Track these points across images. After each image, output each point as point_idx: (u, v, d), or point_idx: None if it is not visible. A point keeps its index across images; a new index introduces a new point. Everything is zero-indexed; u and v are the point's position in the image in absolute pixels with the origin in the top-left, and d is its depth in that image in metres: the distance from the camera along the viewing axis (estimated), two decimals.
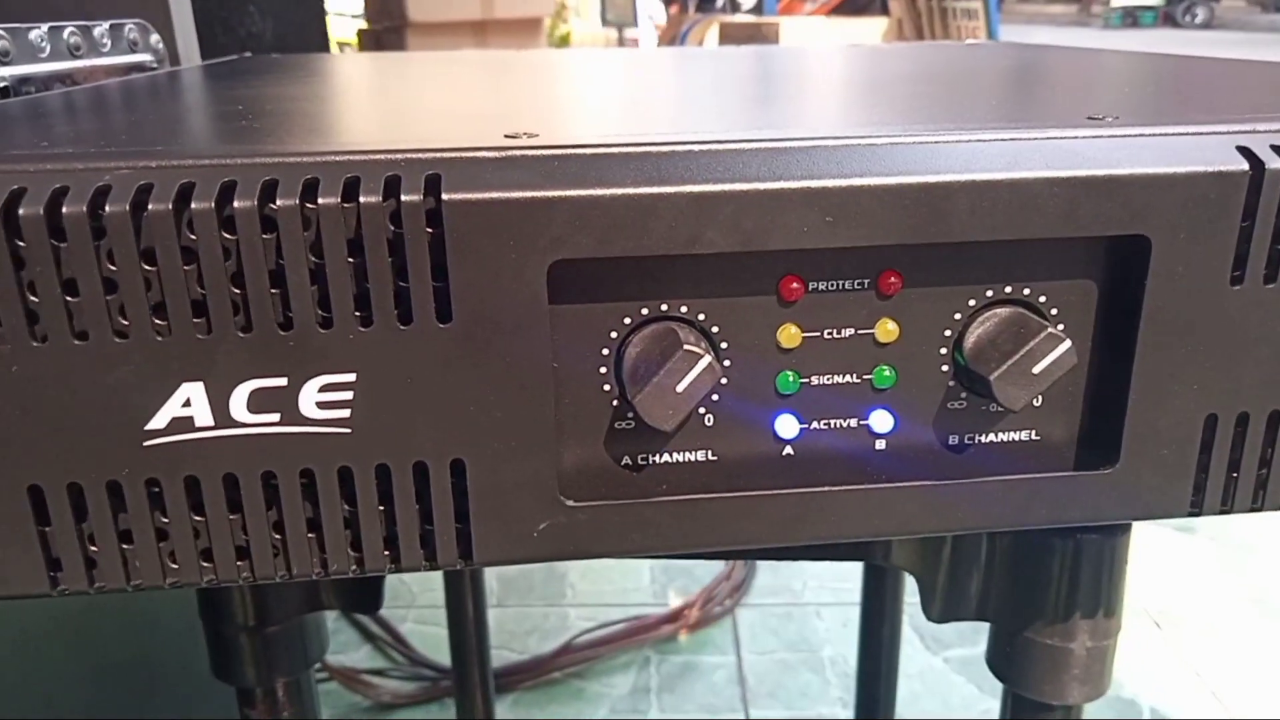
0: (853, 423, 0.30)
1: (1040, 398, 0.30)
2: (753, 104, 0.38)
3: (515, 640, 1.36)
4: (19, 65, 0.60)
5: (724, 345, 0.29)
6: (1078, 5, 16.97)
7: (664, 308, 0.29)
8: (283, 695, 0.46)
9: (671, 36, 4.78)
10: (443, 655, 1.27)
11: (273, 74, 0.59)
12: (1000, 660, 0.44)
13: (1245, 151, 0.28)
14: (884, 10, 3.83)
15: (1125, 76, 0.47)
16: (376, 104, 0.41)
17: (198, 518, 0.28)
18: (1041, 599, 0.42)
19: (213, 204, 0.25)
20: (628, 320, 0.29)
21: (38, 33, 0.62)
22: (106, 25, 0.70)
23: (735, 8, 5.32)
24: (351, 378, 0.27)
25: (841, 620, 1.41)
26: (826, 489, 0.30)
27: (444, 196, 0.26)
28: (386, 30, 3.37)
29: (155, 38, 0.76)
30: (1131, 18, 14.25)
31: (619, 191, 0.26)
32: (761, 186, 0.27)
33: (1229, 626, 1.39)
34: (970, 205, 0.27)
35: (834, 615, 1.42)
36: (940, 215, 0.27)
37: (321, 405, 0.27)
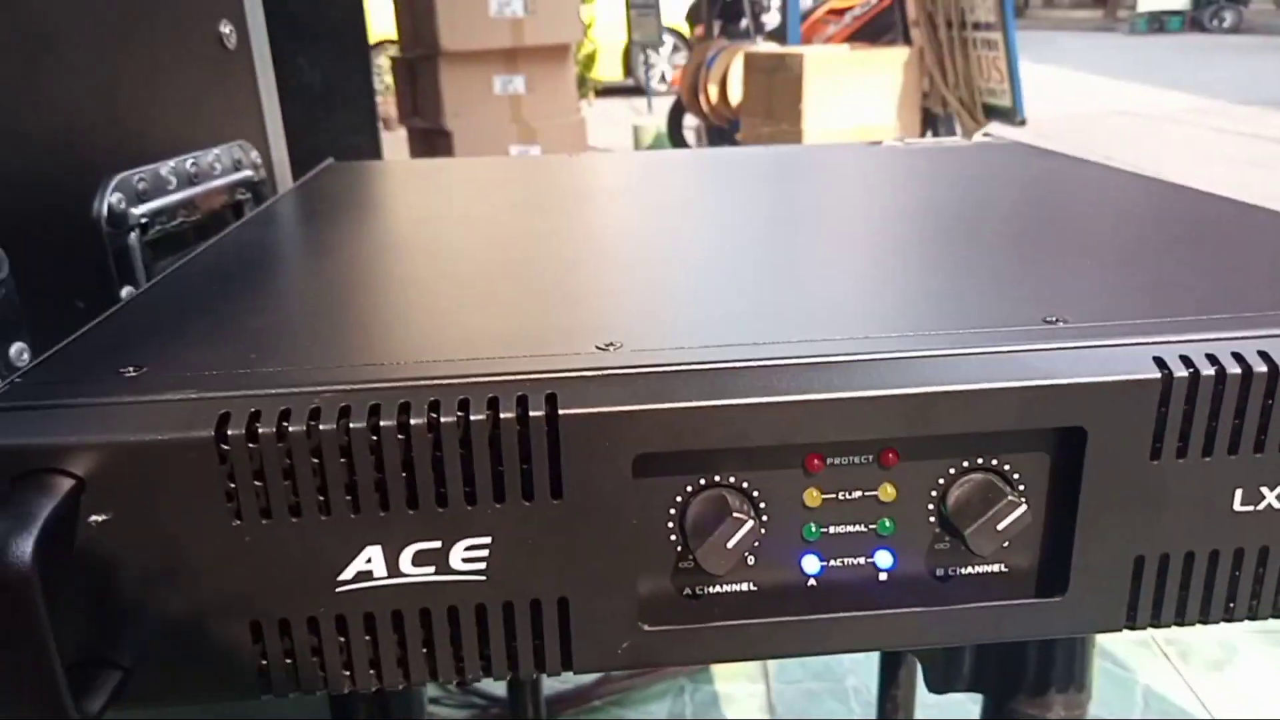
0: (862, 560, 0.40)
1: (1007, 542, 0.39)
2: (782, 293, 0.48)
3: None
4: (154, 200, 0.70)
5: (762, 505, 0.39)
6: (1103, 10, 16.91)
7: (717, 479, 0.38)
8: None
9: (697, 64, 4.88)
10: (491, 684, 1.37)
11: (365, 211, 0.69)
12: None
13: (1159, 361, 0.37)
14: (905, 38, 3.90)
15: (1097, 239, 0.56)
16: (483, 288, 0.51)
17: (372, 642, 0.37)
18: (1022, 677, 0.51)
19: (395, 422, 0.35)
20: (689, 489, 0.38)
21: (168, 169, 0.73)
22: (218, 151, 0.81)
23: (759, 28, 5.39)
24: (488, 540, 0.36)
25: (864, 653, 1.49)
26: (842, 614, 0.39)
27: (560, 412, 0.35)
28: (420, 59, 3.50)
29: (255, 154, 0.86)
30: (1158, 23, 14.17)
31: (688, 405, 0.36)
32: (794, 397, 0.36)
33: (1237, 655, 1.46)
34: (949, 409, 0.37)
35: None
36: (925, 417, 0.36)
37: (465, 560, 0.37)
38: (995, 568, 0.40)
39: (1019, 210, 0.66)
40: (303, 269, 0.54)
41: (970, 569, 0.40)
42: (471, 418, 0.35)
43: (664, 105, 6.18)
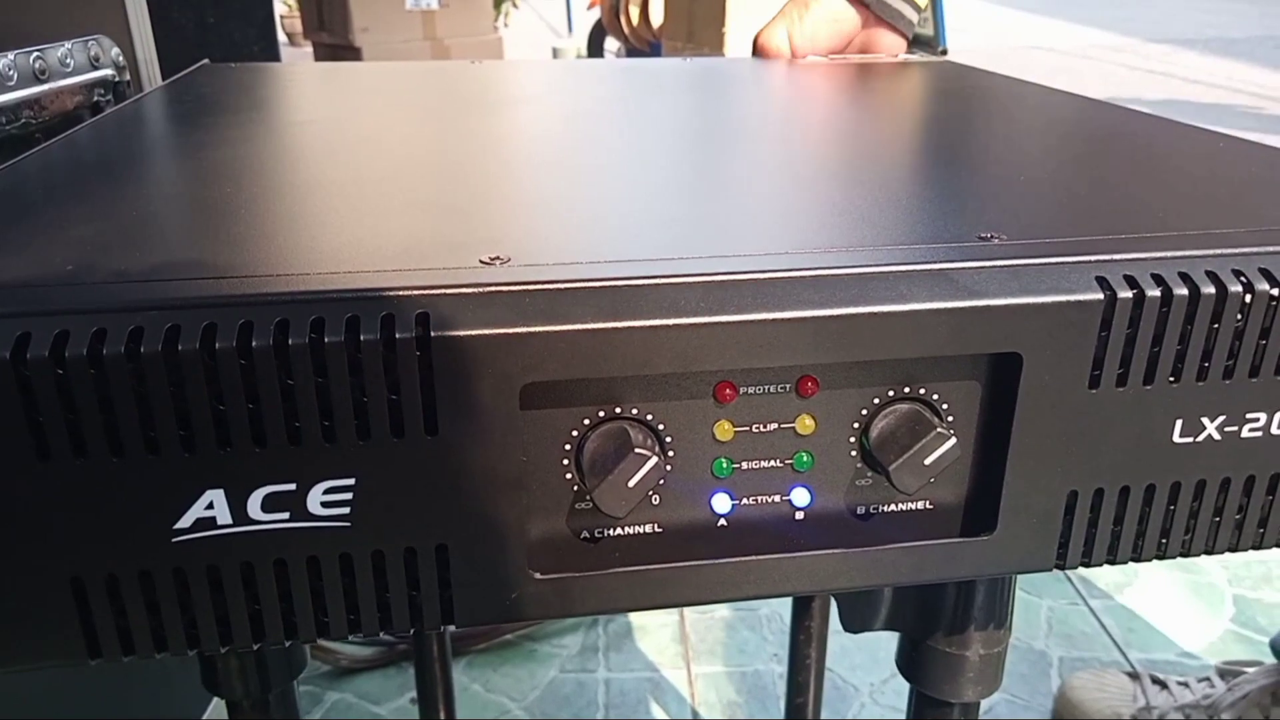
0: (777, 498, 0.36)
1: (934, 477, 0.36)
2: (692, 207, 0.43)
3: None
4: None
5: (669, 439, 0.35)
6: None
7: (618, 410, 0.34)
8: (270, 706, 0.51)
9: None
10: None
11: (237, 114, 0.62)
12: (907, 664, 0.51)
13: (1101, 281, 0.34)
14: None
15: (1030, 157, 0.52)
16: (353, 192, 0.45)
17: (218, 597, 0.32)
18: (940, 615, 0.49)
19: (234, 344, 0.29)
20: (587, 421, 0.34)
21: (5, 61, 0.64)
22: (69, 45, 0.72)
23: None
24: (351, 481, 0.32)
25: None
26: (755, 556, 0.35)
27: (432, 334, 0.30)
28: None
29: (116, 51, 0.77)
30: None
31: (580, 327, 0.31)
32: (700, 320, 0.32)
33: (1137, 578, 1.50)
34: (873, 331, 0.33)
35: None
36: (848, 340, 0.33)
37: (325, 504, 0.32)
38: (920, 505, 0.37)
39: (950, 126, 0.62)
40: (149, 173, 0.47)
41: (893, 507, 0.37)
42: (327, 340, 0.30)
43: (585, 25, 6.01)
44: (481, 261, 0.33)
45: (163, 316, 0.30)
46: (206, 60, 0.85)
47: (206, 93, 0.70)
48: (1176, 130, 0.57)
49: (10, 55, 0.65)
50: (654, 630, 1.40)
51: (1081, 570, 1.51)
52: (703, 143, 0.56)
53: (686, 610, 1.44)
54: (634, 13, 4.79)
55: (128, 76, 0.81)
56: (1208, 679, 1.21)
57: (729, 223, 0.40)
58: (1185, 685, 1.21)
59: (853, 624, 0.50)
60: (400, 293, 0.31)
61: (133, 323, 0.30)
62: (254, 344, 0.30)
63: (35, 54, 0.68)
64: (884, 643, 1.36)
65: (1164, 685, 1.21)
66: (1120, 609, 1.44)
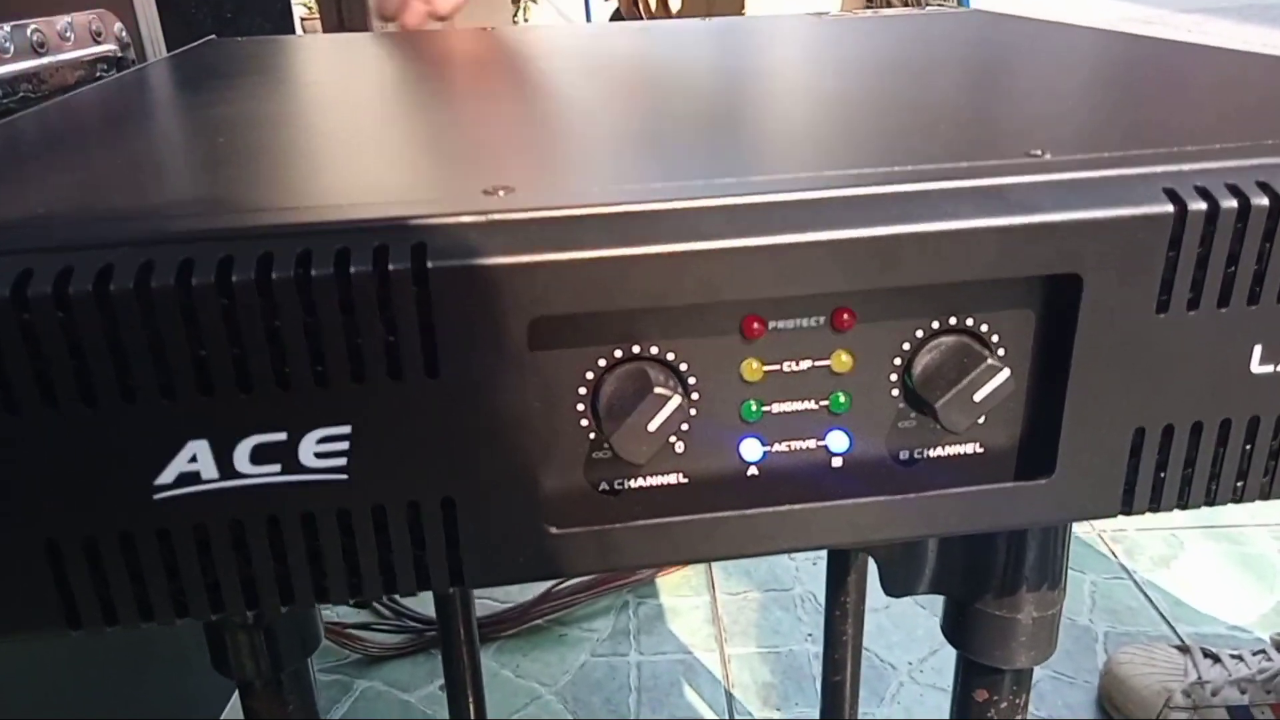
0: (812, 444, 0.33)
1: (984, 416, 0.33)
2: (714, 135, 0.40)
3: (497, 589, 1.40)
4: None
5: (692, 380, 0.32)
6: None
7: (636, 349, 0.31)
8: (283, 686, 0.49)
9: None
10: (428, 607, 1.31)
11: (240, 77, 0.60)
12: (954, 629, 0.48)
13: (1170, 193, 0.30)
14: None
15: (1074, 85, 0.49)
16: (349, 137, 0.43)
17: (206, 559, 0.30)
18: (990, 575, 0.46)
19: (213, 279, 0.27)
20: (603, 362, 0.31)
21: (1, 33, 0.62)
22: (69, 19, 0.70)
23: None
24: (347, 429, 0.29)
25: (811, 559, 1.46)
26: (788, 506, 0.32)
27: (430, 265, 0.27)
28: None
29: (119, 26, 0.75)
30: None
31: (594, 254, 0.28)
32: (723, 245, 0.29)
33: (1183, 551, 1.46)
34: (915, 253, 0.29)
35: (803, 554, 1.47)
36: (888, 263, 0.29)
37: (319, 455, 0.29)
38: (969, 448, 0.34)
39: (986, 59, 0.59)
40: (139, 126, 0.45)
41: (940, 450, 0.34)
42: (314, 274, 0.27)
43: (603, 13, 5.97)
44: (484, 192, 0.31)
45: (136, 253, 0.27)
46: (214, 35, 0.83)
47: (211, 62, 0.68)
48: (1227, 55, 0.53)
49: (6, 27, 0.63)
50: (686, 612, 1.38)
51: (1126, 540, 1.47)
52: (729, 80, 0.53)
53: (719, 591, 1.41)
54: (652, 1, 4.75)
55: (132, 54, 0.79)
56: (1263, 651, 1.16)
57: (757, 149, 0.36)
58: (1239, 658, 1.16)
59: (895, 587, 0.47)
60: (395, 224, 0.28)
61: (103, 260, 0.27)
62: (235, 279, 0.27)
63: (33, 26, 0.66)
64: (922, 619, 1.32)
65: (1216, 658, 1.17)
66: (1166, 582, 1.40)
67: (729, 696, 1.24)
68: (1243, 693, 1.12)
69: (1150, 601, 1.36)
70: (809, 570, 1.44)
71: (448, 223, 0.28)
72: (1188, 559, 1.44)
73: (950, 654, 0.49)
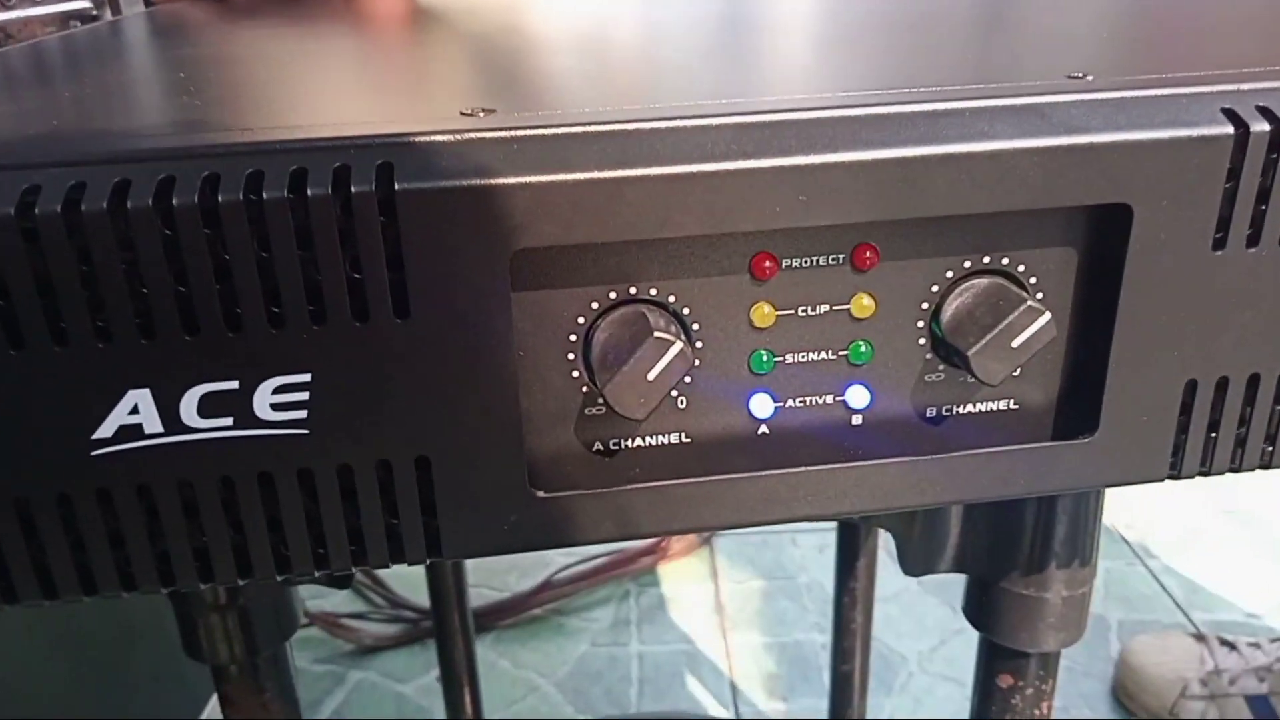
0: (829, 399, 0.30)
1: (1020, 367, 0.30)
2: (720, 58, 0.37)
3: (495, 578, 1.37)
4: None
5: (695, 326, 0.28)
6: None
7: (633, 290, 0.28)
8: (259, 671, 0.45)
9: None
10: (423, 596, 1.28)
11: (215, 23, 0.56)
12: (977, 610, 0.45)
13: (1230, 114, 0.27)
14: None
15: (1118, 6, 0.45)
16: (318, 66, 0.39)
17: (154, 525, 0.27)
18: (1017, 551, 0.42)
19: (150, 202, 0.24)
20: (595, 305, 0.28)
21: None
22: None
23: None
24: (307, 378, 0.26)
25: (818, 546, 1.43)
26: (803, 468, 0.29)
27: (397, 187, 0.24)
28: None
29: None
30: None
31: (583, 176, 0.25)
32: (732, 166, 0.25)
33: (1200, 539, 1.43)
34: (947, 179, 0.26)
35: (810, 541, 1.44)
36: (916, 190, 0.26)
37: (276, 407, 0.26)
38: (1002, 404, 0.31)
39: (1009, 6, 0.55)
40: (97, 62, 0.42)
41: (970, 406, 0.31)
42: (266, 197, 0.24)
43: None
44: (462, 114, 0.27)
45: (65, 174, 0.24)
46: None
47: (188, 15, 0.64)
48: None
49: None
50: (688, 601, 1.35)
51: (1139, 525, 1.44)
52: (743, 24, 0.49)
53: (722, 579, 1.38)
54: None
55: (109, 13, 0.75)
56: None
57: (771, 68, 0.33)
58: (1257, 646, 1.13)
59: (914, 565, 0.44)
60: (359, 142, 0.25)
61: (28, 181, 0.24)
62: (175, 203, 0.24)
63: None
64: (931, 608, 1.29)
65: (1233, 647, 1.14)
66: (1180, 569, 1.36)
67: (733, 688, 1.21)
68: (1261, 681, 1.09)
69: (1164, 589, 1.33)
70: (815, 558, 1.41)
71: (419, 141, 0.25)
72: (1202, 545, 1.41)
73: (962, 644, 0.46)
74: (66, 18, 0.68)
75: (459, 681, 1.02)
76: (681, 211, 0.25)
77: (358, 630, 1.28)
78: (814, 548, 1.43)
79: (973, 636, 0.46)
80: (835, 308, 0.29)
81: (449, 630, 1.03)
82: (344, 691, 1.22)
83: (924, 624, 1.28)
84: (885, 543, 1.34)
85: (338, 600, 1.33)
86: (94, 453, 0.26)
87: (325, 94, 0.31)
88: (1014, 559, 0.42)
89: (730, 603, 1.34)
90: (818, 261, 0.28)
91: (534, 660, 1.26)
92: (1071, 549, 0.42)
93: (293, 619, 0.48)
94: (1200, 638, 1.17)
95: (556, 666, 1.25)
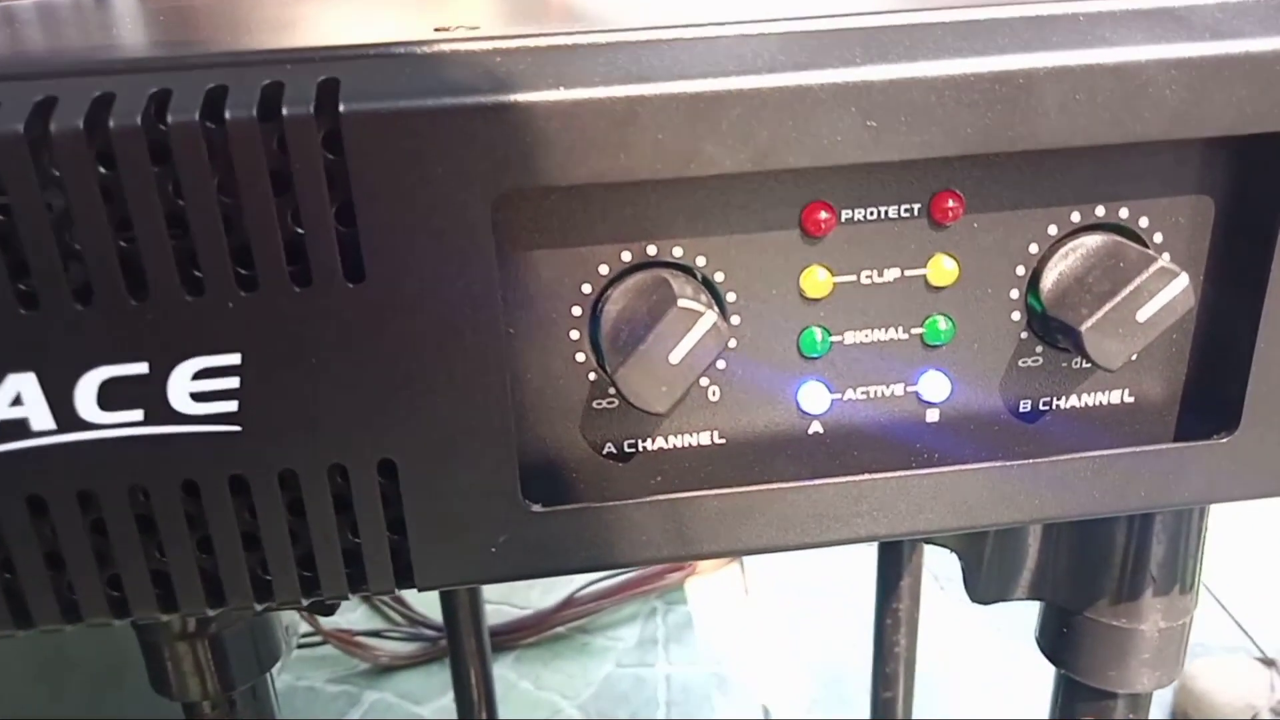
0: (898, 389, 0.24)
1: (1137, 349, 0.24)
2: None
3: (516, 595, 1.31)
4: None
5: (731, 297, 0.23)
6: None
7: (652, 250, 0.22)
8: (235, 708, 0.40)
9: None
10: (440, 614, 1.23)
11: None
12: (1055, 642, 0.38)
13: None
14: None
15: None
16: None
17: (51, 547, 0.21)
18: (1106, 575, 0.36)
19: (21, 127, 0.18)
20: (604, 269, 0.22)
21: None
22: None
23: None
24: (236, 359, 0.20)
25: (858, 560, 1.36)
26: (865, 477, 0.23)
27: (342, 108, 0.19)
28: None
29: None
30: None
31: (587, 94, 0.19)
32: (779, 82, 0.19)
33: (1261, 555, 1.35)
34: (1056, 101, 0.20)
35: (850, 554, 1.37)
36: (1021, 115, 0.20)
37: (199, 397, 0.20)
38: (1115, 396, 0.25)
39: None
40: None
41: (1075, 399, 0.24)
42: (171, 120, 0.18)
43: None
44: (436, 29, 0.22)
45: None
46: None
47: None
48: None
49: None
50: (718, 619, 1.28)
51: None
52: None
53: (755, 596, 1.31)
54: None
55: None
56: None
57: None
58: None
59: (984, 591, 0.38)
60: (295, 56, 0.20)
61: None
62: (53, 128, 0.18)
63: None
64: (986, 631, 1.22)
65: None
66: (1242, 590, 1.28)
67: (766, 713, 1.14)
68: None
69: (1225, 610, 1.25)
70: (856, 573, 1.34)
71: (373, 55, 0.20)
72: (1265, 564, 1.33)
73: (1021, 672, 0.39)
74: None
75: (472, 705, 0.97)
76: (713, 142, 0.20)
77: (374, 648, 1.22)
78: (854, 562, 1.36)
79: (1034, 666, 0.39)
80: (907, 273, 0.23)
81: (463, 650, 0.97)
82: (359, 712, 1.17)
83: (979, 650, 1.21)
84: (931, 560, 1.27)
85: (354, 618, 1.28)
86: None
87: (278, 14, 0.25)
88: (1102, 584, 0.36)
89: (764, 621, 1.28)
90: (886, 213, 0.22)
91: (556, 681, 1.20)
92: (1171, 573, 0.36)
93: (274, 647, 0.42)
94: (1269, 662, 1.09)
95: (580, 688, 1.19)
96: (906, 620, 0.87)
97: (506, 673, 1.21)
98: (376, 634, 1.24)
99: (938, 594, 1.29)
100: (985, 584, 0.37)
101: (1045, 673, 0.39)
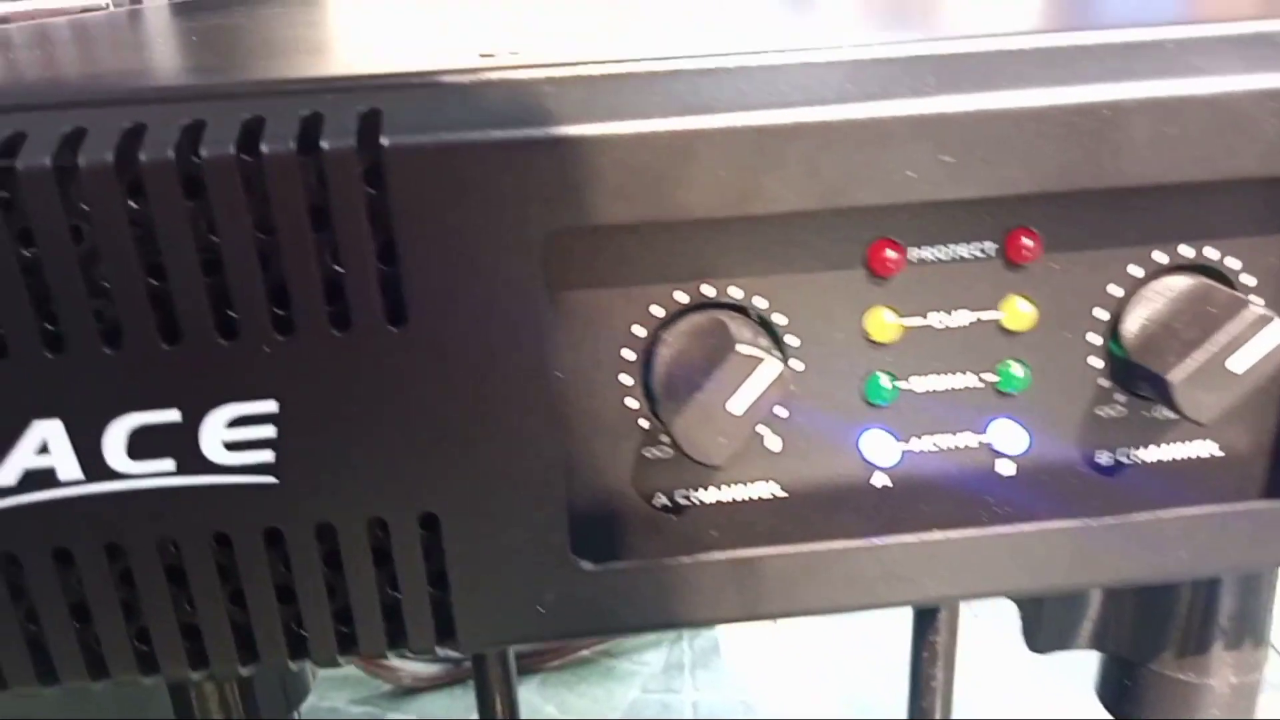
0: (969, 439, 0.22)
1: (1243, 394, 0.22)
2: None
3: None
4: None
5: (793, 340, 0.21)
6: None
7: (708, 290, 0.21)
8: None
9: None
10: None
11: (245, 5, 0.51)
12: (1117, 695, 0.37)
13: None
14: None
15: None
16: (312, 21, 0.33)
17: (77, 602, 0.20)
18: (1173, 627, 0.34)
19: (49, 161, 0.17)
20: (658, 310, 0.21)
21: None
22: None
23: None
24: (272, 406, 0.19)
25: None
26: (939, 535, 0.22)
27: (385, 141, 0.17)
28: None
29: None
30: None
31: (645, 127, 0.18)
32: (849, 114, 0.18)
33: None
34: (1150, 134, 0.19)
35: None
36: (1107, 149, 0.19)
37: (233, 446, 0.19)
38: (1202, 449, 0.23)
39: None
40: (101, 30, 0.36)
41: (1158, 451, 0.23)
42: (205, 154, 0.17)
43: None
44: (481, 55, 0.21)
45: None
46: None
47: (219, 4, 0.59)
48: None
49: None
50: (746, 644, 1.26)
51: None
52: None
53: (785, 620, 1.29)
54: None
55: (127, 4, 0.71)
56: None
57: (898, 8, 0.26)
58: None
59: (1045, 641, 0.36)
60: (336, 85, 0.19)
61: None
62: (82, 162, 0.17)
63: None
64: (1030, 670, 1.19)
65: None
66: None
67: None
68: None
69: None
70: None
71: (418, 83, 0.18)
72: None
73: (1066, 710, 0.37)
74: (82, 10, 0.64)
75: None
76: (777, 179, 0.18)
77: (397, 670, 1.21)
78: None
79: (1080, 701, 0.37)
80: (980, 316, 0.21)
81: (488, 673, 0.96)
82: None
83: (1019, 686, 1.18)
84: None
85: None
86: None
87: (323, 44, 0.25)
88: (1169, 637, 0.34)
89: (794, 647, 1.25)
90: (958, 253, 0.21)
91: (582, 705, 1.18)
92: (1242, 624, 0.34)
93: (303, 685, 0.42)
94: None
95: (606, 712, 1.17)
96: (944, 654, 0.85)
97: (531, 696, 1.19)
98: (401, 655, 1.23)
99: (972, 621, 1.26)
100: (1045, 634, 0.36)
101: (1094, 711, 0.38)
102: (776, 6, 0.28)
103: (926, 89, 0.18)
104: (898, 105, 0.18)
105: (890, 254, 0.20)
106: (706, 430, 0.19)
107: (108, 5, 0.66)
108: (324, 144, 0.17)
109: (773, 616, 0.22)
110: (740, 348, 0.19)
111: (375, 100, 0.18)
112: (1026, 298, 0.21)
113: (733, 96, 0.18)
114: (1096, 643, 0.36)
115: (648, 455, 0.22)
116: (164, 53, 0.27)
